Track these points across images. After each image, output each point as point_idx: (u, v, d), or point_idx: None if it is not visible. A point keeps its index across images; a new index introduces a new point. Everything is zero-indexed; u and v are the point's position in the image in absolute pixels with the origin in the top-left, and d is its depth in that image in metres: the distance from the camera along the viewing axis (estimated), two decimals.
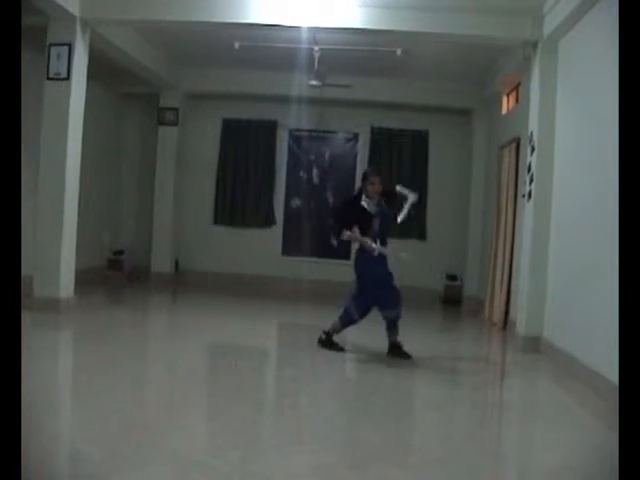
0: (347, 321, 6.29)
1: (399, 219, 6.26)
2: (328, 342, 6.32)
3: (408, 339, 6.22)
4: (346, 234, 6.12)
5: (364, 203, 6.16)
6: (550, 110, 6.88)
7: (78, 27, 7.20)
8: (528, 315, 6.92)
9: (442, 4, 6.98)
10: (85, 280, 8.65)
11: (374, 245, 6.05)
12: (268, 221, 11.52)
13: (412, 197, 6.38)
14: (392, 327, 6.21)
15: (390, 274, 6.21)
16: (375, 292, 6.14)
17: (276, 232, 11.59)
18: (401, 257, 6.32)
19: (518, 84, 8.85)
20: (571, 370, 5.77)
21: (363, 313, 6.24)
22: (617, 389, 4.64)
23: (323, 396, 5.00)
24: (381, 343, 6.28)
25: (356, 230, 6.08)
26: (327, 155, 11.69)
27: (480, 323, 9.13)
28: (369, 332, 6.60)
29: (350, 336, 6.66)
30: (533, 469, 3.73)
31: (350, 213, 6.26)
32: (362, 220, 6.11)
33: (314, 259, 11.37)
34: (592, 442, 4.18)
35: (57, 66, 7.16)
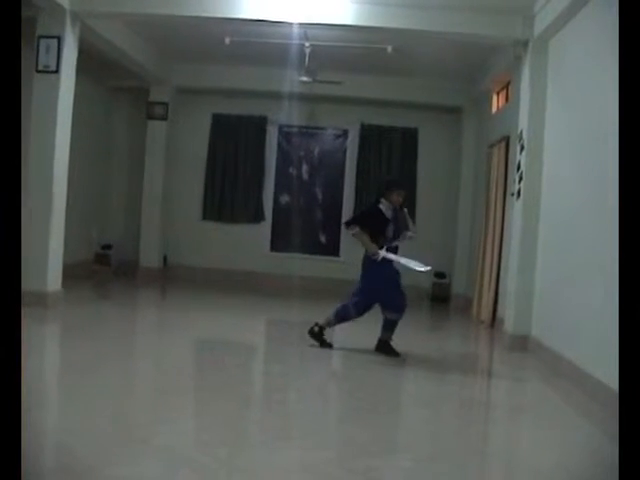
0: (342, 317, 6.30)
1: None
2: (319, 336, 6.30)
3: (396, 336, 6.22)
4: (355, 229, 6.13)
5: (382, 207, 6.18)
6: (540, 109, 6.89)
7: (68, 20, 7.15)
8: (516, 313, 6.94)
9: (433, 2, 6.97)
10: (72, 274, 8.60)
11: (380, 252, 6.04)
12: (257, 217, 11.50)
13: (412, 231, 6.41)
14: (389, 327, 6.21)
15: (397, 273, 6.24)
16: (380, 291, 6.15)
17: (265, 228, 11.57)
18: (411, 268, 6.28)
19: (508, 83, 8.88)
20: (559, 368, 5.79)
21: (362, 311, 6.25)
22: (604, 387, 4.68)
23: (311, 392, 5.00)
24: (370, 340, 6.28)
25: (359, 231, 6.10)
26: (316, 151, 11.68)
27: (468, 321, 9.16)
28: (358, 328, 6.60)
29: (339, 332, 6.66)
30: (520, 467, 3.74)
31: (369, 215, 6.31)
32: (378, 223, 6.13)
33: (302, 255, 11.36)
34: (579, 440, 4.20)
35: (46, 59, 7.11)
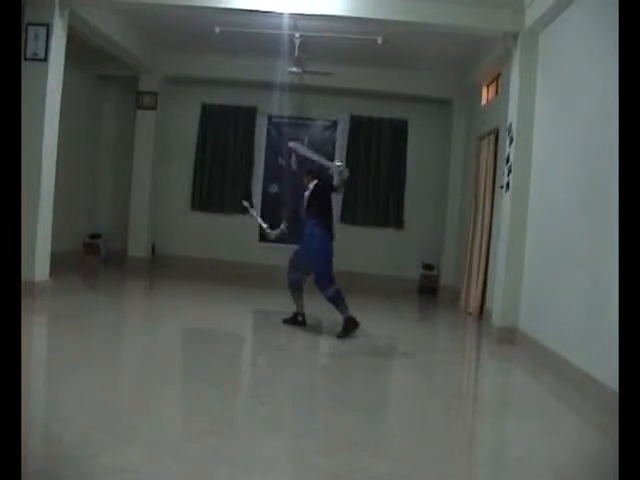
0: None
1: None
2: (352, 324, 6.53)
3: (382, 328, 6.24)
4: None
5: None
6: (529, 102, 6.91)
7: (57, 7, 7.09)
8: (504, 305, 6.96)
9: None
10: (60, 264, 8.57)
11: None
12: (245, 207, 11.45)
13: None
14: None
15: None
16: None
17: (253, 218, 11.53)
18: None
19: (498, 75, 8.89)
20: (545, 361, 5.82)
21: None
22: (590, 379, 4.72)
23: (298, 383, 5.02)
24: (363, 328, 6.30)
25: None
26: (306, 142, 11.64)
27: (456, 313, 9.19)
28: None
29: (328, 322, 6.68)
30: (506, 459, 3.77)
31: None
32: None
33: (291, 246, 11.33)
34: (565, 432, 4.23)
35: (35, 47, 7.06)
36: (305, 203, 6.83)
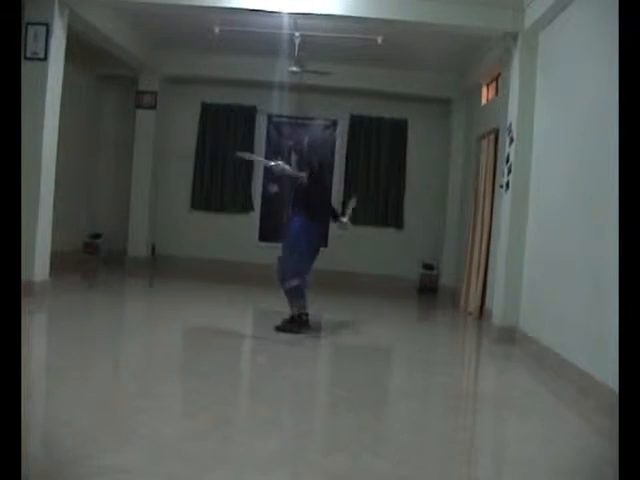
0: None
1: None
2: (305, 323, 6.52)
3: (382, 327, 6.24)
4: None
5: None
6: (529, 102, 6.91)
7: (56, 6, 7.09)
8: (504, 305, 6.96)
9: None
10: (61, 263, 8.56)
11: None
12: (246, 207, 11.49)
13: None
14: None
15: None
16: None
17: (253, 218, 11.57)
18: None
19: (498, 75, 8.89)
20: (545, 361, 5.82)
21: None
22: (590, 378, 4.72)
23: (298, 382, 5.01)
24: (359, 331, 6.29)
25: None
26: (306, 142, 11.65)
27: (456, 312, 9.19)
28: (344, 319, 6.61)
29: (328, 321, 6.67)
30: (506, 459, 3.77)
31: None
32: None
33: None
34: (565, 432, 4.23)
35: (34, 46, 7.05)
36: (292, 199, 6.82)
